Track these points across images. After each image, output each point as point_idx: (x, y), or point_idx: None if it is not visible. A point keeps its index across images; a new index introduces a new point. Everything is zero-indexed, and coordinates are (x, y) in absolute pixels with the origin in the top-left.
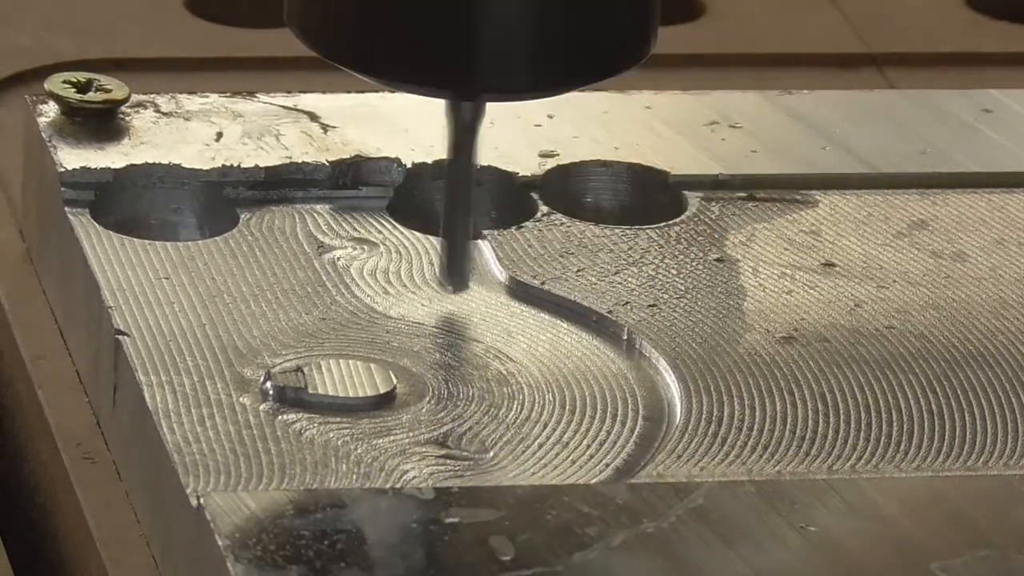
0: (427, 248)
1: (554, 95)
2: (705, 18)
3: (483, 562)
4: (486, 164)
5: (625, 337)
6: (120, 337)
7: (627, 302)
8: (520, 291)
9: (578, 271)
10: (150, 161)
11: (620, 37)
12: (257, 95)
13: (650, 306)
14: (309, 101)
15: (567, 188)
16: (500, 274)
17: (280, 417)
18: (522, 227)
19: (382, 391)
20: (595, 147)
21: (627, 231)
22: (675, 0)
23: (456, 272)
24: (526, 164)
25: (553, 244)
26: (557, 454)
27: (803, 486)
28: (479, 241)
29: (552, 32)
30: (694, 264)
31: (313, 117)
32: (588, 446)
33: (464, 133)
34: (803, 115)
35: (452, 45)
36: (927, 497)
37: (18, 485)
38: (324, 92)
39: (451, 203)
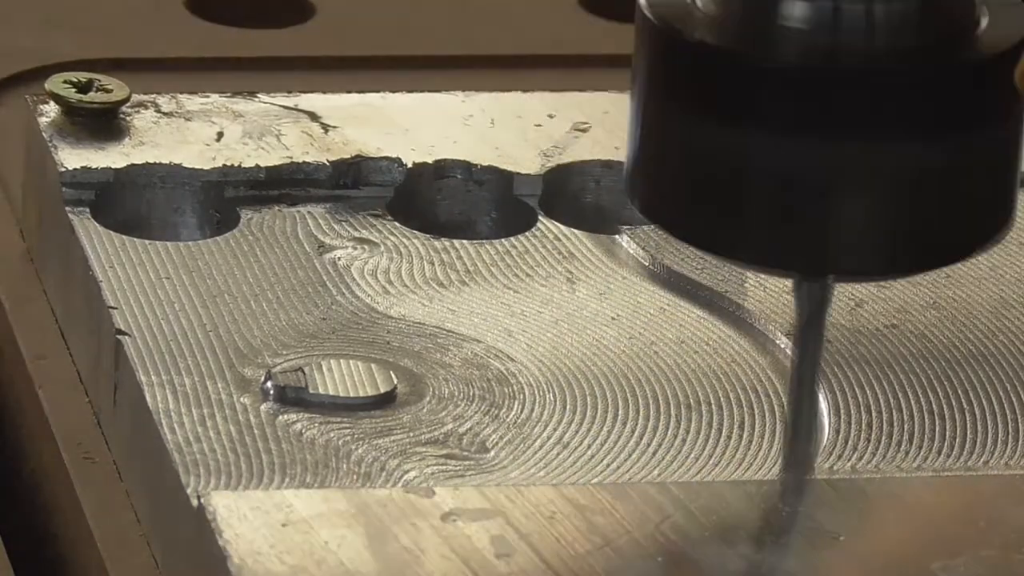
0: (427, 248)
1: (908, 277)
2: None
3: (484, 562)
4: (485, 164)
5: (624, 338)
6: (121, 337)
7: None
8: (520, 292)
9: (575, 273)
10: (151, 161)
11: (979, 215)
12: (258, 95)
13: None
14: (310, 101)
15: (567, 188)
16: (499, 276)
17: (281, 417)
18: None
19: (383, 391)
20: (595, 147)
21: (627, 231)
22: None
23: (800, 454)
24: (526, 164)
25: (548, 247)
26: (558, 454)
27: (803, 486)
28: (477, 243)
29: (907, 218)
30: (693, 264)
31: (314, 117)
32: (589, 446)
33: (815, 308)
34: None
35: (805, 231)
36: (927, 497)
37: (18, 485)
38: (325, 92)
39: (799, 378)
